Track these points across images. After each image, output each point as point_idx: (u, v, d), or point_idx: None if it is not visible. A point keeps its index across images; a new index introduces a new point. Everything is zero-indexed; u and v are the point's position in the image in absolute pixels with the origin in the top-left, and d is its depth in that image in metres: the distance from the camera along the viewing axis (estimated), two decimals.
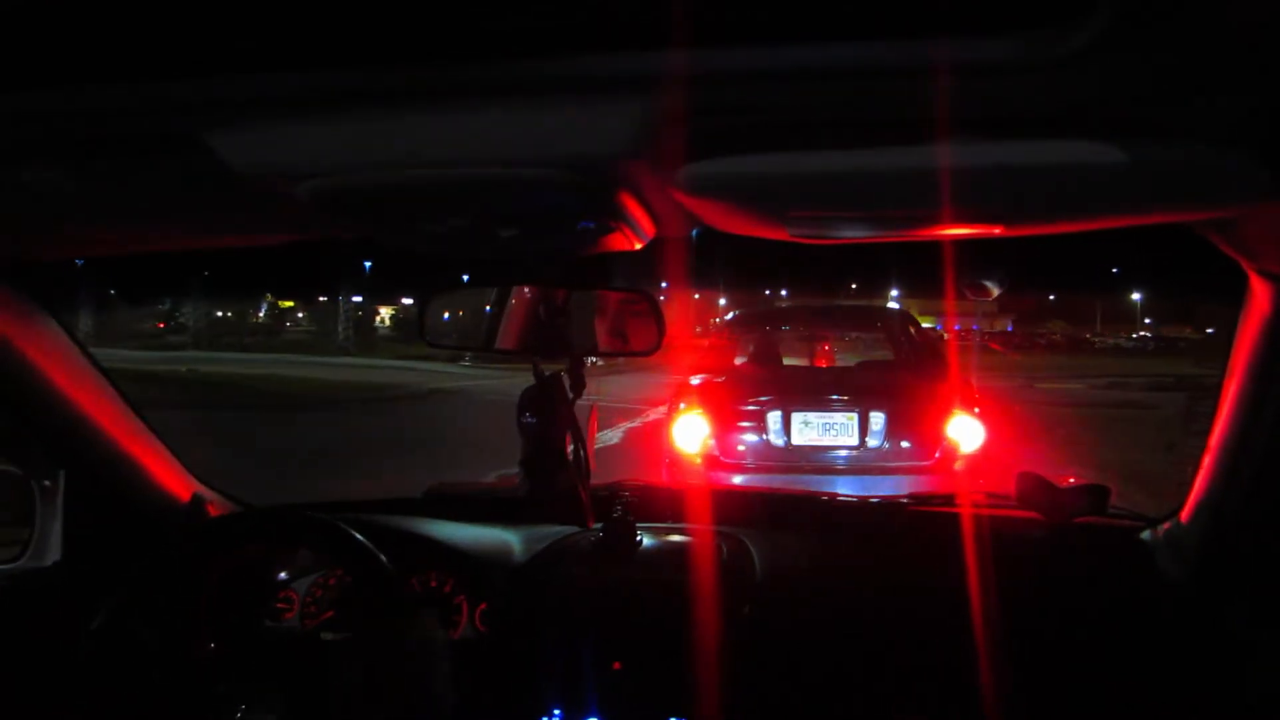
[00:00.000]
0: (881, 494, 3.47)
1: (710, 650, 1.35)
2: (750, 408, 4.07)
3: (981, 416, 3.92)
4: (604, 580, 1.46)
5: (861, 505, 1.85)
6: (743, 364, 4.96)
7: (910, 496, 1.79)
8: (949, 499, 1.73)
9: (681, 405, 4.16)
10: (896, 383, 4.39)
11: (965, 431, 3.82)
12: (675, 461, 4.10)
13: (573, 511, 1.59)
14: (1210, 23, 0.55)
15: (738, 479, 3.88)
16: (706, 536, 1.58)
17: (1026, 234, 1.10)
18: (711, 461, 4.00)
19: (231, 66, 0.64)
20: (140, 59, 0.64)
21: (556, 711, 1.34)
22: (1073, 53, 0.56)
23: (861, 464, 3.88)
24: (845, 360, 6.21)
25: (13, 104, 0.69)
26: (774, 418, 4.00)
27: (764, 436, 3.97)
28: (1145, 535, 1.52)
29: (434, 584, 1.47)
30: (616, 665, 1.35)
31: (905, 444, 3.88)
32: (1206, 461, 1.34)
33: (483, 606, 1.45)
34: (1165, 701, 1.30)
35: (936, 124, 0.70)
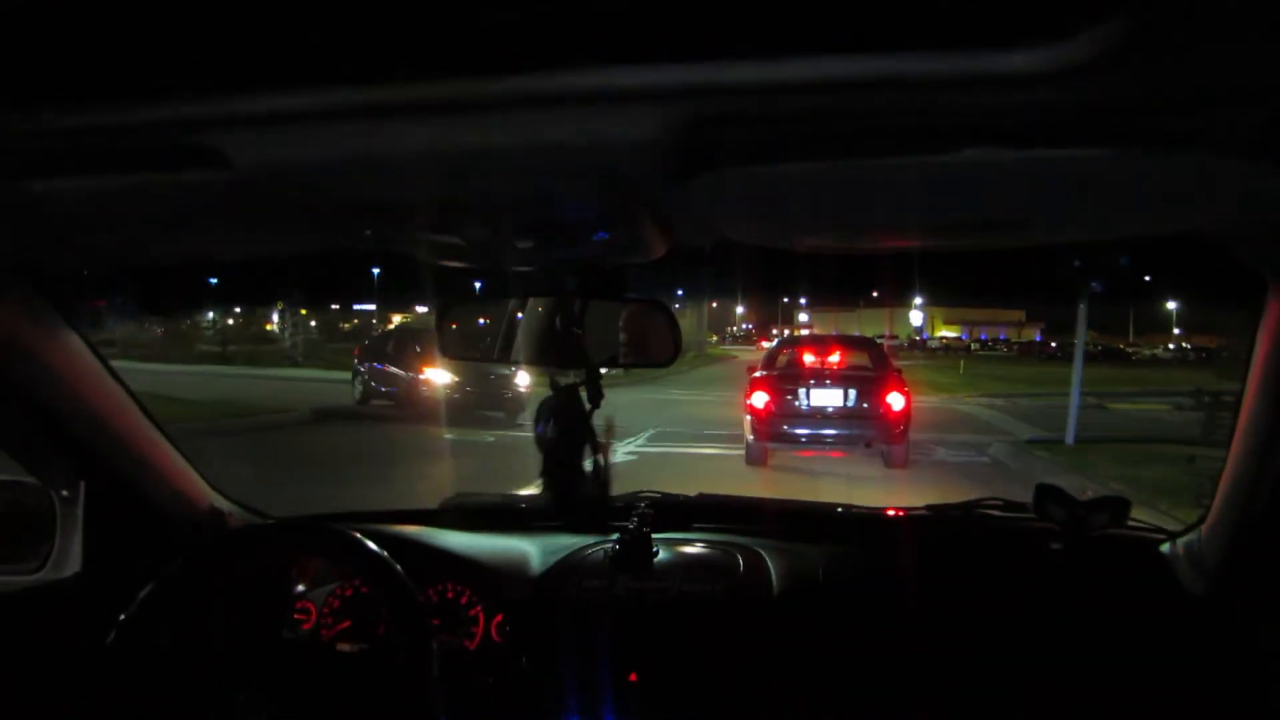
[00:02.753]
0: (852, 430, 8.02)
1: (726, 662, 1.39)
2: (788, 385, 8.53)
3: (905, 390, 8.41)
4: (620, 592, 1.49)
5: (878, 516, 1.86)
6: (784, 364, 9.74)
7: (929, 507, 1.80)
8: (968, 509, 1.74)
9: (752, 386, 8.69)
10: (864, 376, 8.91)
11: (895, 399, 8.24)
12: (752, 412, 8.34)
13: (590, 522, 1.62)
14: (1223, 32, 0.56)
15: (782, 424, 8.14)
16: (723, 548, 1.61)
17: (1039, 244, 1.12)
18: (767, 413, 8.23)
19: (255, 84, 0.65)
20: (162, 77, 0.65)
21: None
22: (1087, 63, 0.57)
23: (843, 413, 8.23)
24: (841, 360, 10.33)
25: (32, 117, 0.71)
26: (801, 391, 8.44)
27: (795, 400, 8.38)
28: (1165, 548, 1.53)
29: (450, 595, 1.51)
30: (633, 677, 1.38)
31: (865, 405, 8.29)
32: (1226, 474, 1.35)
33: (499, 618, 1.49)
34: (1185, 715, 1.30)
35: (950, 136, 0.71)
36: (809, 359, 9.54)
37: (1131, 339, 45.28)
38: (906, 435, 8.37)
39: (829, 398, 8.32)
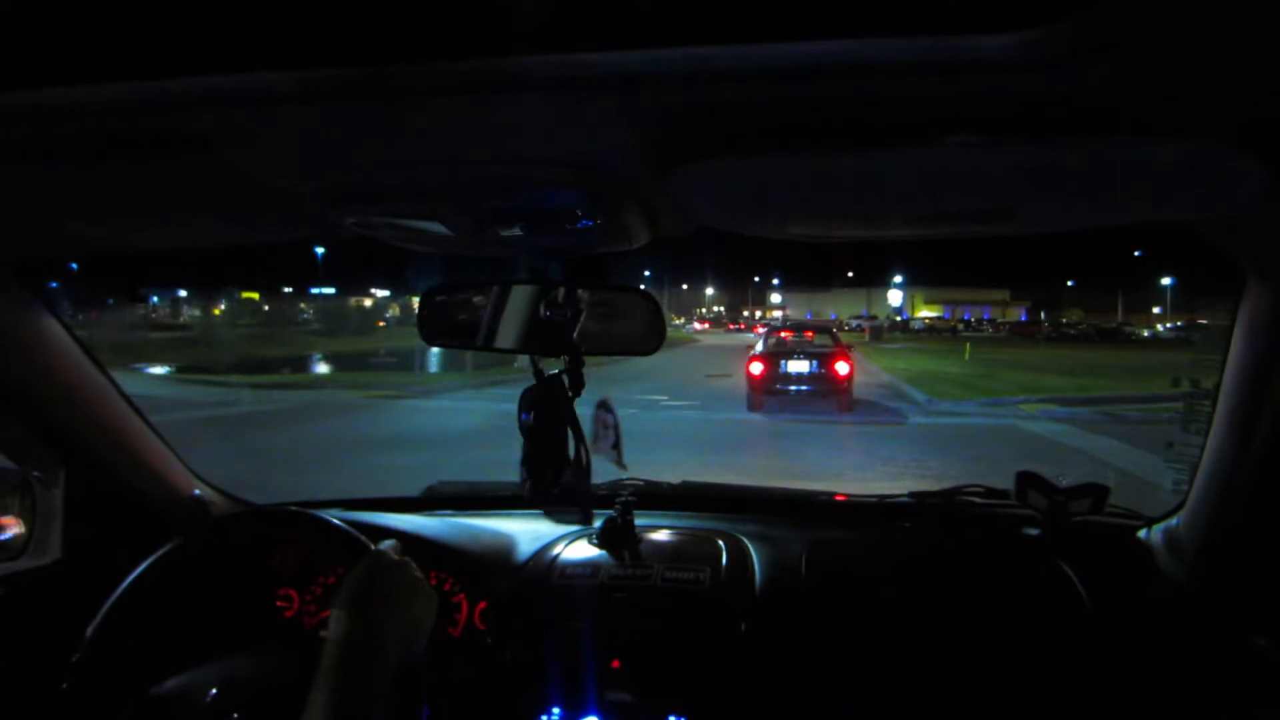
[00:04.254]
0: (814, 386, 13.16)
1: (709, 649, 1.45)
2: (772, 357, 13.33)
3: (850, 360, 13.49)
4: (603, 579, 1.56)
5: (860, 504, 1.94)
6: (770, 343, 14.65)
7: (911, 494, 1.88)
8: (949, 497, 1.83)
9: (750, 358, 13.74)
10: (823, 350, 13.59)
11: (843, 365, 13.05)
12: (748, 376, 13.29)
13: (573, 510, 1.68)
14: (1214, 24, 0.58)
15: (764, 381, 12.98)
16: (706, 536, 1.69)
17: (1019, 234, 1.15)
18: (759, 376, 13.01)
19: (235, 65, 0.67)
20: (144, 57, 0.67)
21: (556, 710, 1.44)
22: (1069, 51, 0.59)
23: (809, 376, 12.94)
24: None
25: (14, 102, 0.73)
26: (781, 362, 13.26)
27: (776, 368, 13.09)
28: (1143, 534, 1.62)
29: (434, 582, 1.55)
30: (616, 664, 1.44)
31: (822, 370, 12.98)
32: (1204, 460, 1.43)
33: (482, 605, 1.56)
34: (1162, 699, 1.38)
35: (936, 123, 0.75)
36: (787, 339, 15.24)
37: (1120, 317, 46.01)
38: (850, 390, 13.46)
39: (799, 366, 13.46)
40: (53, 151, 0.86)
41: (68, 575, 1.48)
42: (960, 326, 52.95)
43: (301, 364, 22.93)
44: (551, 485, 1.32)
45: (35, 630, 1.44)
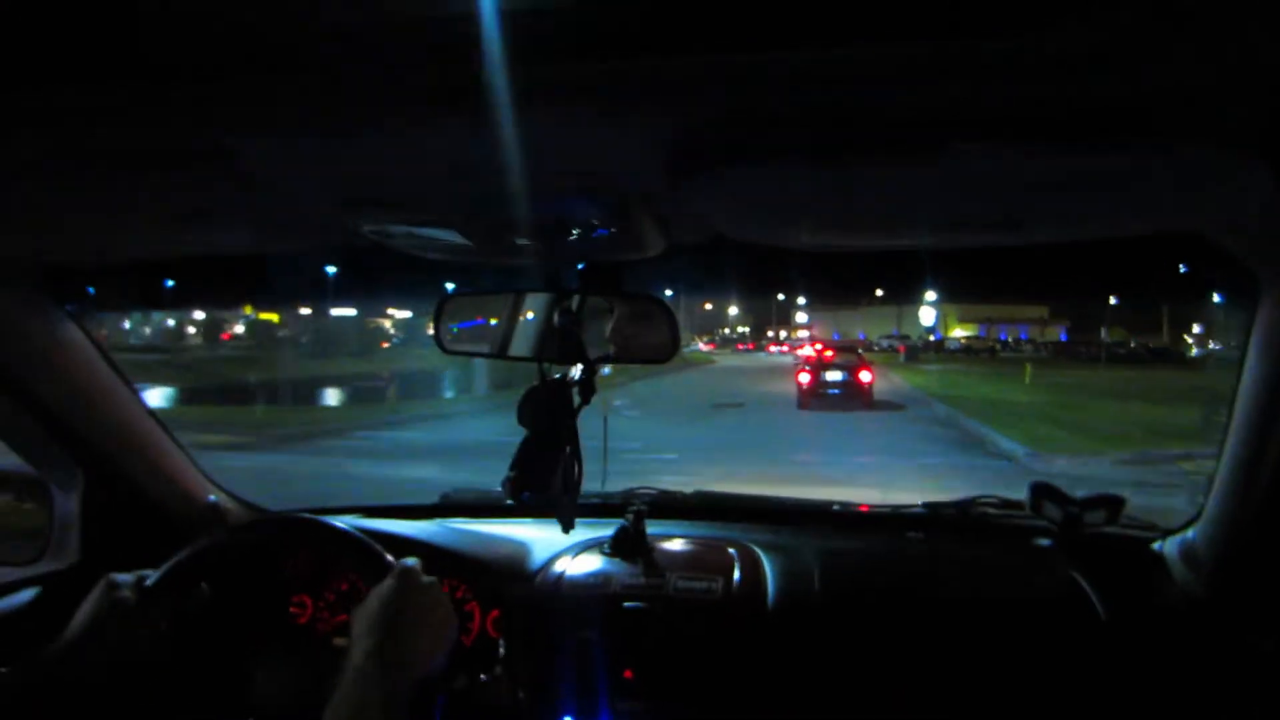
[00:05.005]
0: (843, 390, 18.68)
1: (722, 659, 1.50)
2: (814, 366, 19.29)
3: (872, 371, 19.52)
4: (615, 588, 1.61)
5: (874, 514, 1.98)
6: (811, 356, 21.14)
7: (925, 505, 1.92)
8: (963, 507, 1.87)
9: (798, 369, 20.45)
10: (852, 363, 19.41)
11: (865, 374, 18.76)
12: (799, 385, 18.93)
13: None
14: (1223, 29, 0.60)
15: (811, 387, 18.47)
16: (718, 545, 1.74)
17: (1038, 241, 1.20)
18: (806, 383, 18.64)
19: (262, 76, 0.70)
20: (170, 69, 0.70)
21: (568, 719, 1.48)
22: (1086, 58, 0.62)
23: (841, 382, 18.62)
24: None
25: (41, 111, 0.76)
26: (822, 370, 19.13)
27: (818, 375, 18.83)
28: (1158, 546, 1.65)
29: (446, 589, 1.62)
30: (628, 673, 1.49)
31: (851, 378, 18.68)
32: (1220, 471, 1.45)
33: (495, 613, 1.61)
34: (1177, 711, 1.41)
35: (947, 130, 0.77)
36: (826, 354, 20.61)
37: (1165, 336, 45.45)
38: (871, 391, 18.52)
39: (834, 374, 18.80)
40: (78, 160, 0.90)
41: (85, 579, 1.48)
42: (998, 346, 51.85)
43: (257, 390, 20.91)
44: (537, 490, 1.31)
45: (53, 633, 1.50)
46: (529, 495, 1.30)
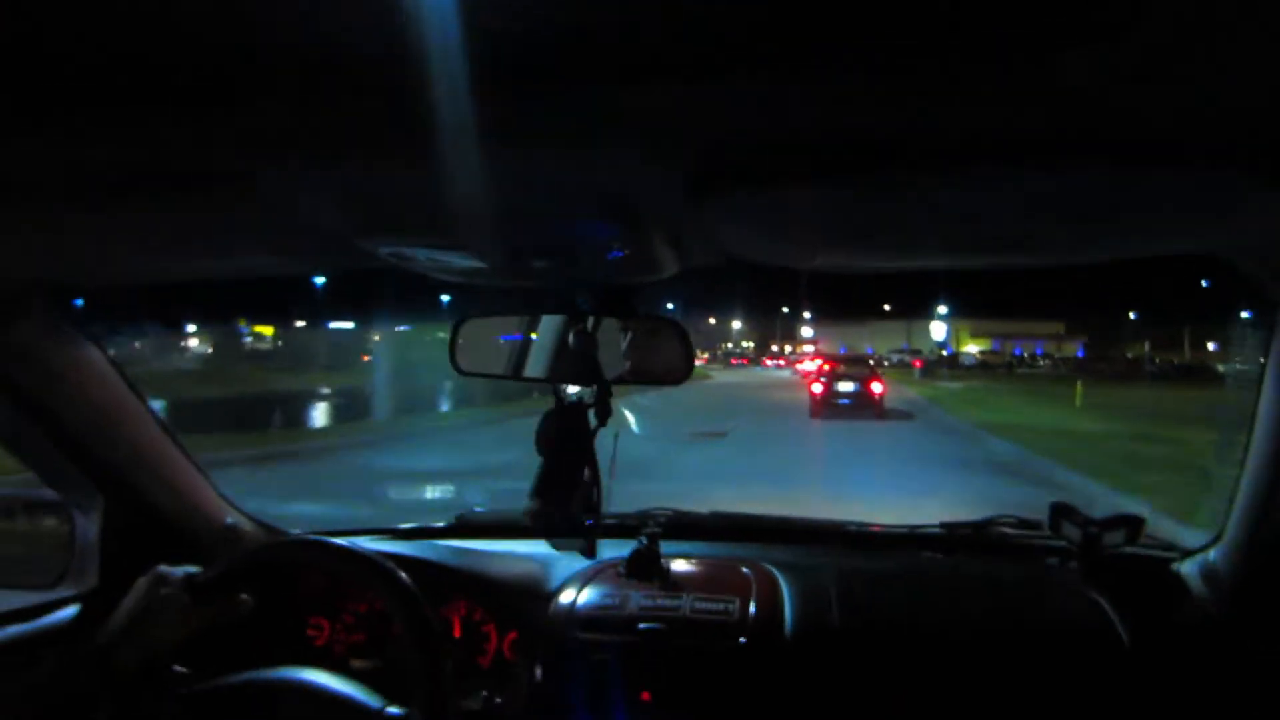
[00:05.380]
0: (857, 397, 20.01)
1: (739, 680, 1.53)
2: (826, 377, 20.83)
3: (883, 382, 20.66)
4: (632, 610, 1.64)
5: (890, 534, 2.01)
6: (821, 367, 23.14)
7: (942, 525, 1.95)
8: (981, 527, 1.90)
9: (810, 379, 22.72)
10: (864, 374, 20.90)
11: (877, 385, 19.89)
12: (811, 395, 20.63)
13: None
14: (1239, 54, 0.62)
15: (824, 397, 19.85)
16: (735, 566, 1.77)
17: (1048, 264, 1.24)
18: (819, 393, 20.13)
19: (276, 101, 0.73)
20: (185, 88, 0.72)
21: None
22: (1101, 81, 0.63)
23: (853, 393, 19.79)
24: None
25: (58, 135, 0.79)
26: (834, 384, 20.34)
27: (830, 385, 20.18)
28: (1178, 566, 1.67)
29: (464, 612, 1.67)
30: (645, 695, 1.52)
31: (863, 389, 19.81)
32: (1241, 491, 1.49)
33: (512, 635, 1.66)
34: None
35: (965, 154, 0.79)
36: (834, 367, 21.87)
37: (1188, 353, 45.22)
38: (883, 403, 19.41)
39: (846, 385, 19.90)
40: (98, 184, 0.93)
41: (105, 603, 1.52)
42: (1014, 362, 51.03)
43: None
44: (558, 514, 1.36)
45: (71, 657, 1.54)
46: (553, 521, 1.35)
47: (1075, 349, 58.45)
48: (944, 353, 49.73)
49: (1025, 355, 55.04)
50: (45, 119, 0.76)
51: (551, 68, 0.67)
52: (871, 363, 24.82)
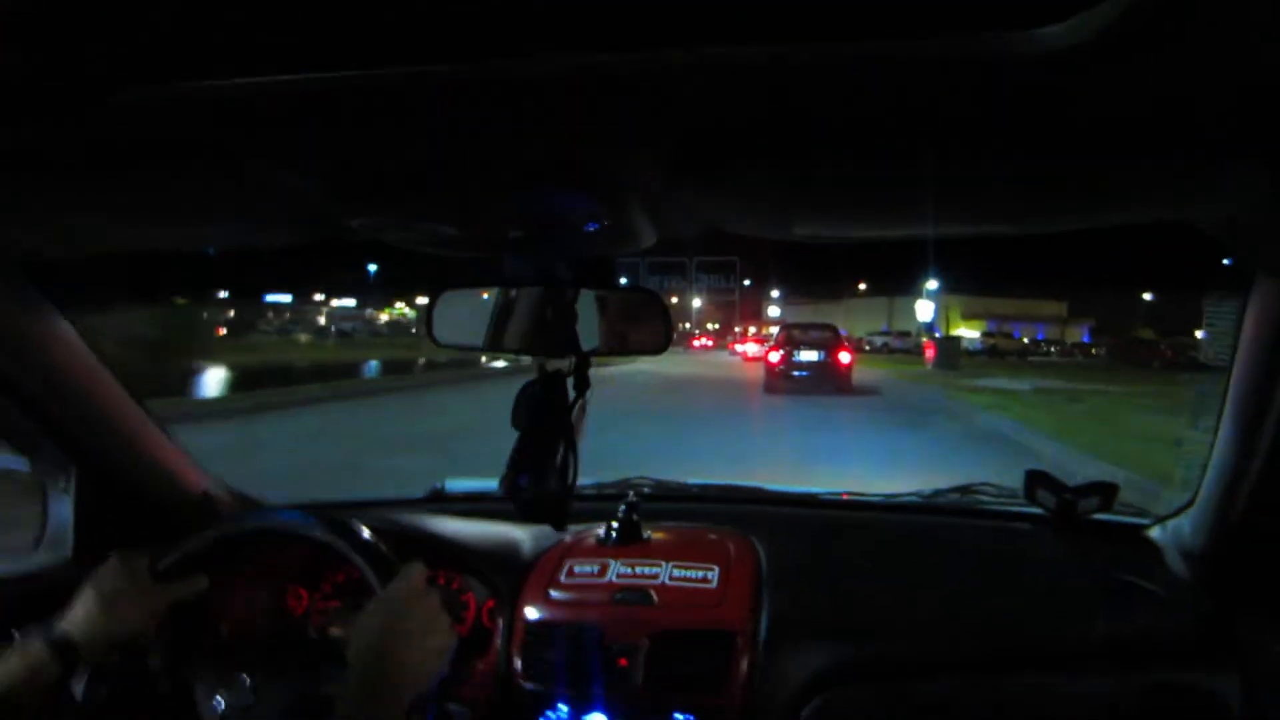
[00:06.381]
0: (820, 368, 20.17)
1: (717, 647, 1.69)
2: (786, 347, 20.38)
3: (850, 351, 20.63)
4: (611, 577, 1.81)
5: (869, 502, 2.20)
6: (783, 336, 21.23)
7: (918, 493, 2.14)
8: (958, 495, 2.08)
9: (769, 349, 21.64)
10: (829, 343, 20.46)
11: (844, 355, 20.08)
12: (767, 364, 20.86)
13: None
14: (1218, 27, 0.66)
15: (781, 368, 20.00)
16: (714, 535, 1.95)
17: (1030, 233, 1.35)
18: (776, 364, 20.19)
19: (249, 67, 0.77)
20: (159, 57, 0.77)
21: (563, 707, 1.68)
22: (1084, 50, 0.67)
23: (816, 363, 19.78)
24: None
25: (28, 102, 0.84)
26: (794, 351, 20.30)
27: (790, 355, 20.05)
28: (1153, 532, 1.85)
29: (441, 581, 1.83)
30: (623, 662, 1.69)
31: (828, 358, 19.83)
32: (1213, 459, 1.64)
33: (490, 603, 1.82)
34: (1171, 698, 1.60)
35: (940, 124, 0.87)
36: (798, 333, 21.01)
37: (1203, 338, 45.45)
38: (849, 375, 19.67)
39: (809, 354, 19.90)
40: (64, 153, 1.01)
41: (79, 574, 1.65)
42: (1030, 346, 48.88)
43: None
44: (532, 486, 1.50)
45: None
46: (528, 494, 1.48)
47: (1080, 333, 58.77)
48: (934, 335, 44.73)
49: (1024, 339, 53.26)
50: (11, 91, 0.82)
51: (527, 35, 0.72)
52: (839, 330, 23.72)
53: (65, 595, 1.54)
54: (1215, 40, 0.69)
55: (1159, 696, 1.62)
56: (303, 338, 42.35)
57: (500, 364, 20.20)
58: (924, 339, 43.50)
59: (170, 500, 1.98)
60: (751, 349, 33.39)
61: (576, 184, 1.11)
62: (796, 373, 19.83)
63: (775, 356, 20.50)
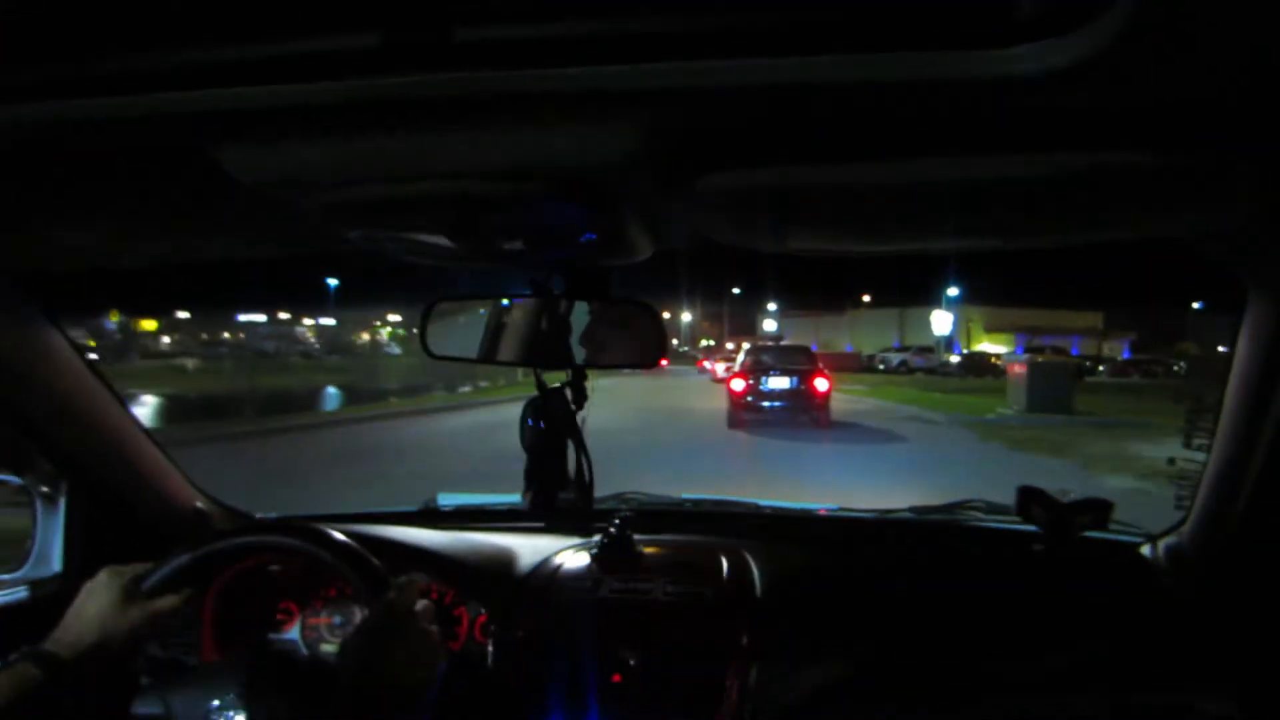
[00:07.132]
0: (793, 397, 18.77)
1: (711, 663, 1.78)
2: (753, 374, 18.66)
3: (827, 377, 18.66)
4: (604, 593, 1.90)
5: (861, 519, 2.30)
6: (750, 360, 19.41)
7: (912, 509, 2.23)
8: (951, 511, 2.16)
9: (733, 375, 19.49)
10: (804, 368, 18.79)
11: (821, 381, 18.31)
12: (730, 394, 18.91)
13: (573, 525, 2.02)
14: (1213, 36, 0.68)
15: (748, 398, 18.50)
16: (706, 550, 2.04)
17: (1024, 247, 1.44)
18: (740, 393, 18.60)
19: (240, 79, 0.80)
20: (149, 70, 0.80)
21: None
22: (1073, 67, 0.69)
23: (788, 390, 18.43)
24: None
25: (21, 113, 0.87)
26: (762, 378, 18.62)
27: (758, 384, 18.50)
28: (1146, 550, 1.93)
29: (434, 595, 1.92)
30: (617, 677, 1.79)
31: (802, 386, 18.39)
32: (1207, 476, 1.71)
33: (483, 618, 1.91)
34: (1166, 716, 1.68)
35: (936, 137, 0.92)
36: (771, 357, 19.69)
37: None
38: (827, 406, 18.33)
39: (780, 381, 18.54)
40: (59, 163, 1.07)
41: (67, 588, 1.78)
42: (1088, 364, 43.28)
43: None
44: (553, 499, 1.62)
45: (33, 643, 1.68)
46: (551, 505, 1.59)
47: (1120, 348, 56.70)
48: (952, 355, 43.73)
49: (1083, 359, 48.52)
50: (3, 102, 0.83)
51: (521, 46, 0.75)
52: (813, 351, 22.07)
53: (54, 610, 1.63)
54: (1212, 58, 0.73)
55: (1156, 718, 1.69)
56: (189, 363, 38.59)
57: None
58: (910, 359, 44.02)
59: (161, 515, 2.08)
60: (721, 368, 31.23)
61: (570, 194, 1.16)
62: (765, 403, 18.50)
63: (739, 385, 18.75)
